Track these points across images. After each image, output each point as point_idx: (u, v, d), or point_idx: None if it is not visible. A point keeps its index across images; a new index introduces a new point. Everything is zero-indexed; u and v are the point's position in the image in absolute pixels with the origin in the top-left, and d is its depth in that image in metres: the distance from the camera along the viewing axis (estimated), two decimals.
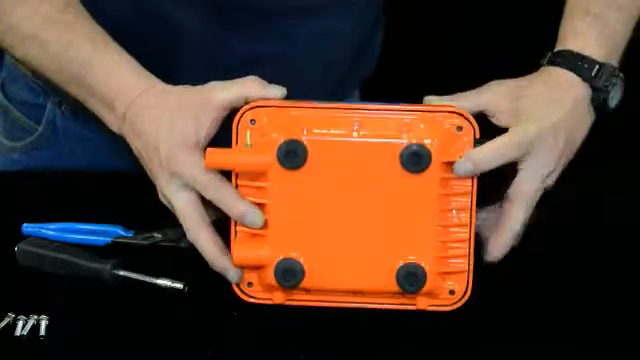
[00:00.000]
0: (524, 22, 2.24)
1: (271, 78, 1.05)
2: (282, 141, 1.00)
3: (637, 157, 2.34)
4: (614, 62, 1.12)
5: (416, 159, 1.00)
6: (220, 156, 1.02)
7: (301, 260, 1.02)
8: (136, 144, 1.09)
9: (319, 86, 1.27)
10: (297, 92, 1.06)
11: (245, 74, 1.06)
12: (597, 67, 1.09)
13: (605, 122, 1.12)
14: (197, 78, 1.09)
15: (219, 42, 1.25)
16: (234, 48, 1.26)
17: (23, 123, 1.38)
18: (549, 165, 1.06)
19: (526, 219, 1.05)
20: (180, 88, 1.08)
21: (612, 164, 2.07)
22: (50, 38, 1.14)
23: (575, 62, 1.09)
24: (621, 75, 1.11)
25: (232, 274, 1.04)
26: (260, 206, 1.02)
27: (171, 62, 1.24)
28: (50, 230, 1.15)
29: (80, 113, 1.34)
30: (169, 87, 1.09)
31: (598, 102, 1.10)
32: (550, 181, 1.07)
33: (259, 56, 1.27)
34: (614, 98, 1.11)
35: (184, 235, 1.15)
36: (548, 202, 1.12)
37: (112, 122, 1.12)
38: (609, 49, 1.12)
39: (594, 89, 1.09)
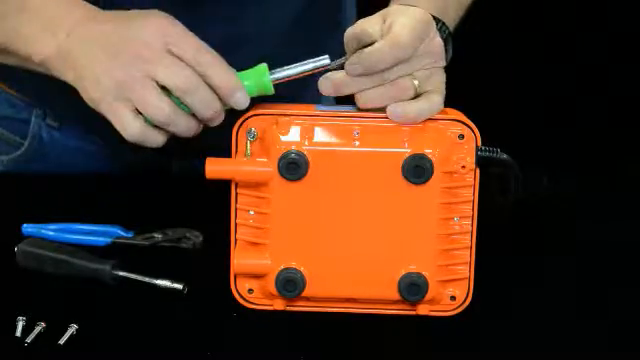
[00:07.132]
0: (522, 20, 2.23)
1: (249, 63, 1.02)
2: (283, 152, 0.99)
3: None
4: (446, 20, 1.07)
5: (419, 171, 0.98)
6: (220, 166, 1.01)
7: (302, 270, 1.01)
8: (68, 76, 1.04)
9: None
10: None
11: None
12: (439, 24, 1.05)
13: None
14: None
15: (190, 28, 1.23)
16: (207, 33, 1.23)
17: (8, 139, 1.37)
18: None
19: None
20: (116, 22, 1.04)
21: (614, 164, 2.07)
22: None
23: None
24: (450, 32, 1.07)
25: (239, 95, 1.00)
26: (261, 215, 1.01)
27: None
28: (50, 230, 1.16)
29: (65, 124, 1.34)
30: (106, 17, 1.06)
31: None
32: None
33: (234, 39, 1.22)
34: (448, 51, 1.06)
35: (184, 235, 1.15)
36: (548, 203, 1.12)
37: (46, 45, 1.05)
38: (440, 8, 1.08)
39: None
